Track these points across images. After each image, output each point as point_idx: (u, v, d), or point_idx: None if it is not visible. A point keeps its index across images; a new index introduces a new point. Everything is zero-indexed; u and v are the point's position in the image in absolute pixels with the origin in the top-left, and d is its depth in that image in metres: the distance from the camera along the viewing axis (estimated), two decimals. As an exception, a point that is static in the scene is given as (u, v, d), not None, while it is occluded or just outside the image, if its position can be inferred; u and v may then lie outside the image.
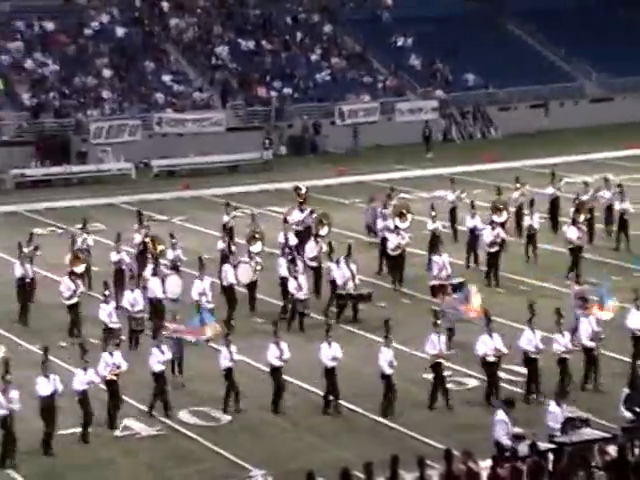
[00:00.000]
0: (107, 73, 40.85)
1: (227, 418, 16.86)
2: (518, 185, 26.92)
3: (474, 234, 24.18)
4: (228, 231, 24.99)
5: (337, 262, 21.37)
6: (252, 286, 21.74)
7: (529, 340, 17.00)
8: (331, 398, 16.85)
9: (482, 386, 17.53)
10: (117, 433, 16.26)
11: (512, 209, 25.71)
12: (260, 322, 20.94)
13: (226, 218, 25.61)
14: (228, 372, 16.88)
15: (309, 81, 42.98)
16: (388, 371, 16.57)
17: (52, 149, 37.15)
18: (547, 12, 46.11)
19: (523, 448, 13.77)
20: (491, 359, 16.91)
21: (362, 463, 13.03)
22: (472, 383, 17.86)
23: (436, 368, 16.96)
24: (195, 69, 42.62)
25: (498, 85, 43.95)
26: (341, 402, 16.98)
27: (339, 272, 21.17)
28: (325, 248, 22.44)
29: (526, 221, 24.88)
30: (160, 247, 22.59)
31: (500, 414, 14.59)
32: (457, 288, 20.82)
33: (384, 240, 23.83)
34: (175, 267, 21.93)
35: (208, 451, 15.79)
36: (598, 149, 37.60)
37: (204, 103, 41.00)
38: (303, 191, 27.32)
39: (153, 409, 16.82)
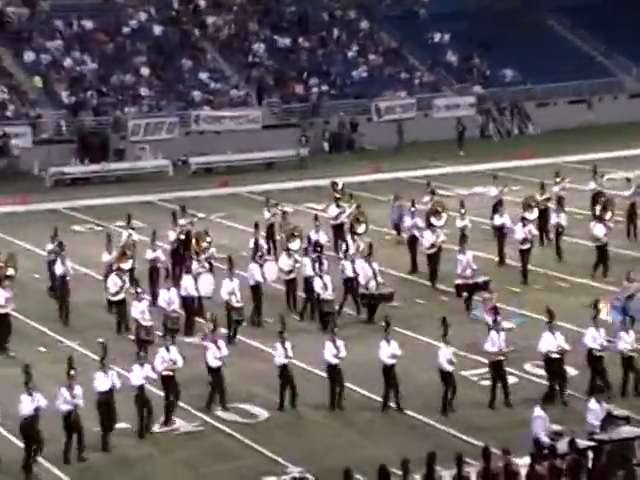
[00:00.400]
0: (145, 71, 41.10)
1: (265, 415, 16.89)
2: (558, 179, 26.73)
3: (502, 232, 23.99)
4: (268, 228, 25.01)
5: (352, 261, 21.14)
6: (291, 284, 21.61)
7: (594, 338, 16.86)
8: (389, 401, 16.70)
9: (520, 383, 17.40)
10: (155, 429, 16.33)
11: (552, 204, 25.38)
12: (298, 320, 20.96)
13: (267, 214, 25.64)
14: (283, 369, 16.84)
15: (346, 78, 42.93)
16: (448, 368, 16.49)
17: (91, 147, 37.45)
18: (586, 6, 45.62)
19: (562, 445, 13.65)
20: (554, 356, 16.71)
21: (399, 460, 12.99)
22: (510, 380, 17.69)
23: (496, 366, 16.81)
24: (232, 67, 42.74)
25: (536, 81, 43.60)
26: (377, 398, 16.96)
27: (352, 268, 20.86)
28: (362, 246, 22.36)
29: (553, 219, 24.57)
30: (204, 244, 22.51)
31: (538, 411, 14.49)
32: (482, 287, 20.78)
33: (412, 238, 23.68)
34: (209, 265, 21.88)
35: (246, 448, 15.83)
36: (638, 145, 37.15)
37: (241, 100, 41.11)
38: (340, 186, 27.31)
39: (212, 404, 16.84)
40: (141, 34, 42.70)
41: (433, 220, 23.79)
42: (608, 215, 23.80)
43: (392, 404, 16.79)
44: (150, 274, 21.99)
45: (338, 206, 25.91)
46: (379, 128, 40.77)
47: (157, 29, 43.05)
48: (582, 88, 43.55)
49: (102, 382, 15.58)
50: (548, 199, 25.66)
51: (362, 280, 20.87)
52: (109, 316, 21.08)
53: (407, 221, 24.20)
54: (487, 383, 17.31)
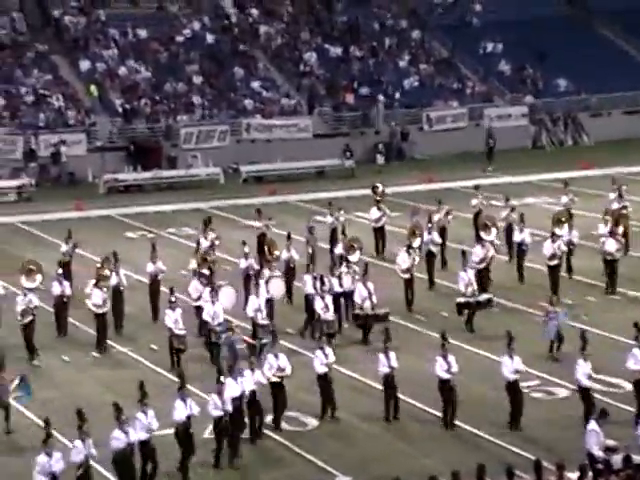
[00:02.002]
0: (197, 79, 41.48)
1: (314, 423, 16.91)
2: (615, 187, 26.39)
3: (521, 248, 23.56)
4: (331, 232, 24.98)
5: (339, 277, 20.61)
6: (349, 295, 21.19)
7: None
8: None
9: (574, 397, 17.19)
10: (206, 435, 16.41)
11: (608, 217, 24.81)
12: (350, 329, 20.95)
13: (330, 219, 25.64)
14: (323, 377, 16.82)
15: (397, 87, 42.90)
16: (512, 378, 16.25)
17: (144, 154, 37.86)
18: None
19: (617, 461, 13.46)
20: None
21: (450, 471, 12.92)
22: (563, 393, 17.54)
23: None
24: (283, 75, 42.95)
25: (590, 90, 43.15)
26: (429, 410, 16.88)
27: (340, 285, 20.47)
28: (417, 260, 22.11)
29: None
30: (276, 252, 22.50)
31: (592, 425, 14.30)
32: (484, 305, 20.48)
33: (429, 253, 23.30)
34: (248, 276, 21.63)
35: (296, 456, 15.86)
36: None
37: (291, 109, 41.29)
38: (380, 189, 27.58)
39: (327, 410, 16.85)
40: (194, 43, 43.10)
41: (482, 234, 23.57)
42: (620, 229, 23.43)
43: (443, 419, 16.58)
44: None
45: (379, 209, 26.16)
46: (430, 138, 40.66)
47: (210, 38, 43.43)
48: (637, 98, 43.01)
49: (181, 411, 15.11)
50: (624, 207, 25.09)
51: (357, 300, 20.28)
52: (159, 321, 21.12)
53: (424, 236, 23.59)
54: (538, 395, 17.13)
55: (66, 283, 21.26)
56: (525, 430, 16.32)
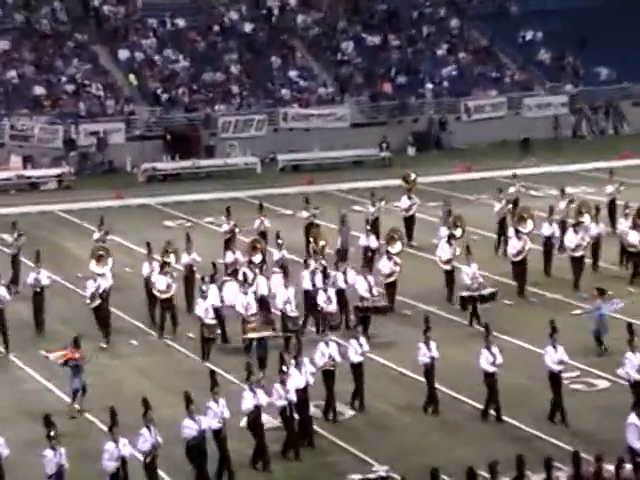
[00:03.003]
0: (235, 69, 41.56)
1: (351, 413, 16.91)
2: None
3: (550, 241, 23.20)
4: (372, 222, 24.90)
5: (344, 272, 20.44)
6: (390, 287, 21.10)
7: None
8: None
9: (613, 388, 17.04)
10: (242, 424, 16.48)
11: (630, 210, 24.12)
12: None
13: (372, 209, 25.56)
14: (358, 366, 16.83)
15: (435, 76, 42.67)
16: (556, 369, 16.14)
17: (182, 143, 38.03)
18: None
19: (657, 454, 13.32)
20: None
21: (487, 462, 12.86)
22: (602, 385, 17.38)
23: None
24: (320, 65, 42.89)
25: (632, 79, 42.59)
26: (467, 401, 16.82)
27: (344, 280, 20.19)
28: (459, 251, 21.95)
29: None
30: (322, 242, 22.48)
31: (632, 417, 14.16)
32: (488, 299, 20.34)
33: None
34: (282, 267, 21.40)
35: (332, 444, 15.88)
36: None
37: (329, 98, 41.23)
38: (412, 178, 27.55)
39: (355, 401, 16.89)
40: (232, 32, 43.17)
41: (520, 227, 23.27)
42: None
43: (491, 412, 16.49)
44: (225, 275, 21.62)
45: (409, 198, 26.21)
46: (468, 127, 40.41)
47: (247, 27, 43.47)
48: (680, 87, 42.45)
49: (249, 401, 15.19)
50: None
51: (362, 292, 19.94)
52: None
53: (442, 231, 23.46)
54: (578, 387, 17.00)
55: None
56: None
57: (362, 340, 16.96)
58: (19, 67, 39.56)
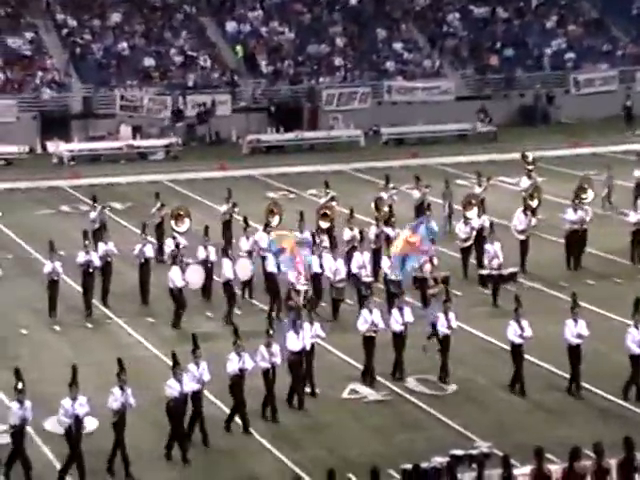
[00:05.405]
0: (340, 41, 41.53)
1: (453, 388, 16.91)
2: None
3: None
4: (417, 207, 24.62)
5: (320, 256, 19.97)
6: (466, 251, 21.33)
7: None
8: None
9: None
10: (344, 395, 16.67)
11: None
12: (486, 293, 20.81)
13: (417, 194, 25.00)
14: (399, 335, 16.91)
15: (543, 49, 41.81)
16: (637, 351, 15.99)
17: (287, 115, 38.23)
18: None
19: None
20: None
21: (591, 442, 12.71)
22: None
23: None
24: (425, 37, 42.49)
25: None
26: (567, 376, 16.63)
27: (319, 264, 19.90)
28: (535, 222, 22.19)
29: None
30: (384, 210, 22.83)
31: None
32: (508, 279, 20.13)
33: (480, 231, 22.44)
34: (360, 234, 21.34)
35: (434, 419, 15.91)
36: None
37: (434, 71, 40.86)
38: (530, 158, 27.06)
39: (397, 372, 17.10)
40: (337, 4, 43.09)
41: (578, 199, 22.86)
42: None
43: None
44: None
45: (529, 177, 25.84)
46: (577, 101, 39.53)
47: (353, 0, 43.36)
48: None
49: (294, 342, 15.95)
50: None
51: (354, 269, 19.80)
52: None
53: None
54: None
55: (211, 248, 20.99)
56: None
57: (406, 310, 16.83)
58: (130, 39, 40.39)
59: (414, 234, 18.99)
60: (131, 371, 14.76)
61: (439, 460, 13.15)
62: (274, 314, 19.46)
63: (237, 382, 15.27)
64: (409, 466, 12.86)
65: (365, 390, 16.84)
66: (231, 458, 14.85)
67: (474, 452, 13.53)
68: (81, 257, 20.54)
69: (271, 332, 15.74)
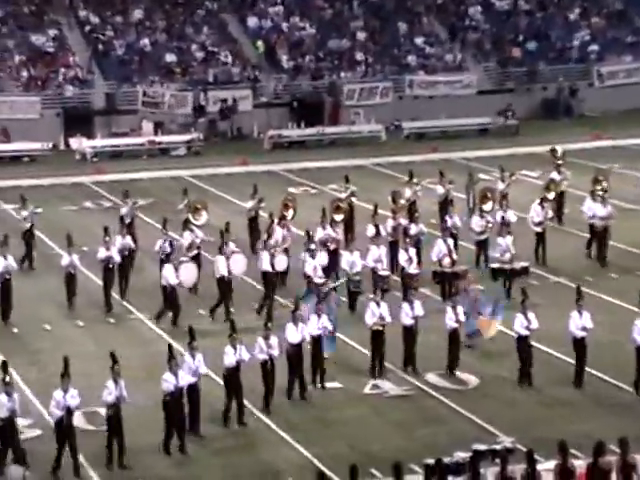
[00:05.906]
0: (361, 35, 41.45)
1: (475, 382, 16.85)
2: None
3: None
4: (440, 203, 24.47)
5: (272, 255, 20.00)
6: (482, 245, 21.32)
7: None
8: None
9: None
10: (366, 391, 16.65)
11: None
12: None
13: (441, 190, 24.82)
14: (409, 329, 16.86)
15: (566, 41, 41.53)
16: (579, 335, 16.03)
17: (308, 110, 38.19)
18: None
19: None
20: None
21: (616, 438, 12.61)
22: None
23: None
24: (447, 30, 42.32)
25: None
26: (596, 374, 16.52)
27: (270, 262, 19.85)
28: (550, 213, 22.35)
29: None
30: (402, 201, 22.92)
31: None
32: (519, 272, 20.05)
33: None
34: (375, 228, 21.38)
35: (456, 414, 15.87)
36: None
37: (455, 65, 40.69)
38: (559, 153, 26.88)
39: (408, 367, 17.08)
40: (358, -1, 43.04)
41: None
42: None
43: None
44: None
45: (559, 172, 25.71)
46: (601, 94, 39.24)
47: (374, -7, 43.25)
48: None
49: (294, 334, 15.95)
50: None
51: (346, 266, 19.71)
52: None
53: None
54: None
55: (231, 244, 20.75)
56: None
57: (416, 303, 16.80)
58: (151, 35, 40.50)
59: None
60: (153, 365, 14.78)
61: (462, 455, 13.11)
62: (265, 309, 19.34)
63: (233, 374, 15.27)
64: (431, 461, 12.83)
65: (387, 385, 16.81)
66: (249, 452, 14.86)
67: (497, 447, 13.47)
68: (102, 253, 20.64)
69: (269, 325, 15.82)
